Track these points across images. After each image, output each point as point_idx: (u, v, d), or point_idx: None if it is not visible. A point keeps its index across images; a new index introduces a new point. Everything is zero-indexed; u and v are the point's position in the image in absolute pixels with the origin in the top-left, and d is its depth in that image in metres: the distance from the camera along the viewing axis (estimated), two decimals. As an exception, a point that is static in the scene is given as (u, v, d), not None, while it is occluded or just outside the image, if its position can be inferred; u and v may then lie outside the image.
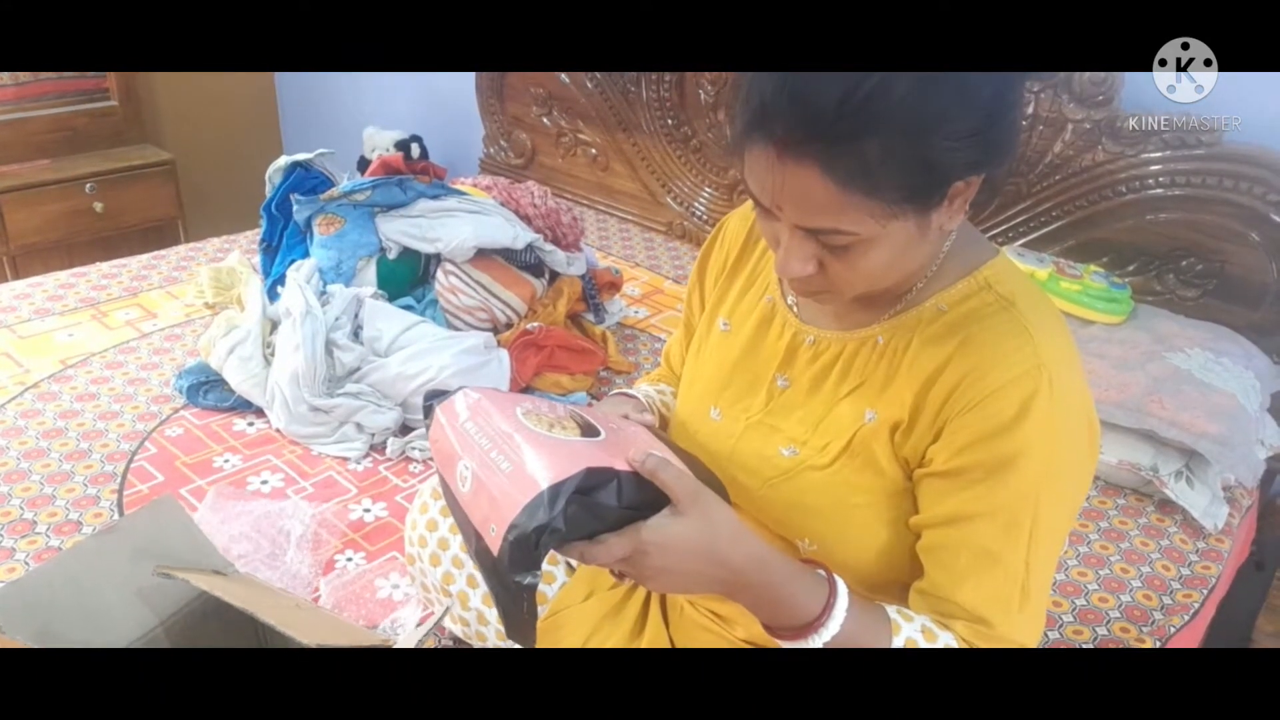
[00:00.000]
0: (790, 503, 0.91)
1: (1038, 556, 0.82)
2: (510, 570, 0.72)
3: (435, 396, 0.91)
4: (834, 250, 0.78)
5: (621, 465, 0.77)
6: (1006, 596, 0.82)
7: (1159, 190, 1.88)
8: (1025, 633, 0.84)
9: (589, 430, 0.83)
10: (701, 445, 0.99)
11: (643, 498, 0.76)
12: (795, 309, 0.96)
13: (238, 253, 2.32)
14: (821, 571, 0.82)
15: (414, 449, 1.67)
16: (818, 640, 0.78)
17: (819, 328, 0.93)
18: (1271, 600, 1.74)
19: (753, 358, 0.98)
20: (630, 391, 1.11)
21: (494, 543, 0.73)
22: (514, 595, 0.74)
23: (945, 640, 0.81)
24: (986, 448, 0.79)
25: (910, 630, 0.81)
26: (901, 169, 0.72)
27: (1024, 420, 0.78)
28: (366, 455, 1.66)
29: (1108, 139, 1.91)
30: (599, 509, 0.74)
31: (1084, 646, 1.32)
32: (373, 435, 1.68)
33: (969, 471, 0.81)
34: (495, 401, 0.86)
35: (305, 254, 2.00)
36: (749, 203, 1.05)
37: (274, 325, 1.78)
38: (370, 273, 1.97)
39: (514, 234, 1.97)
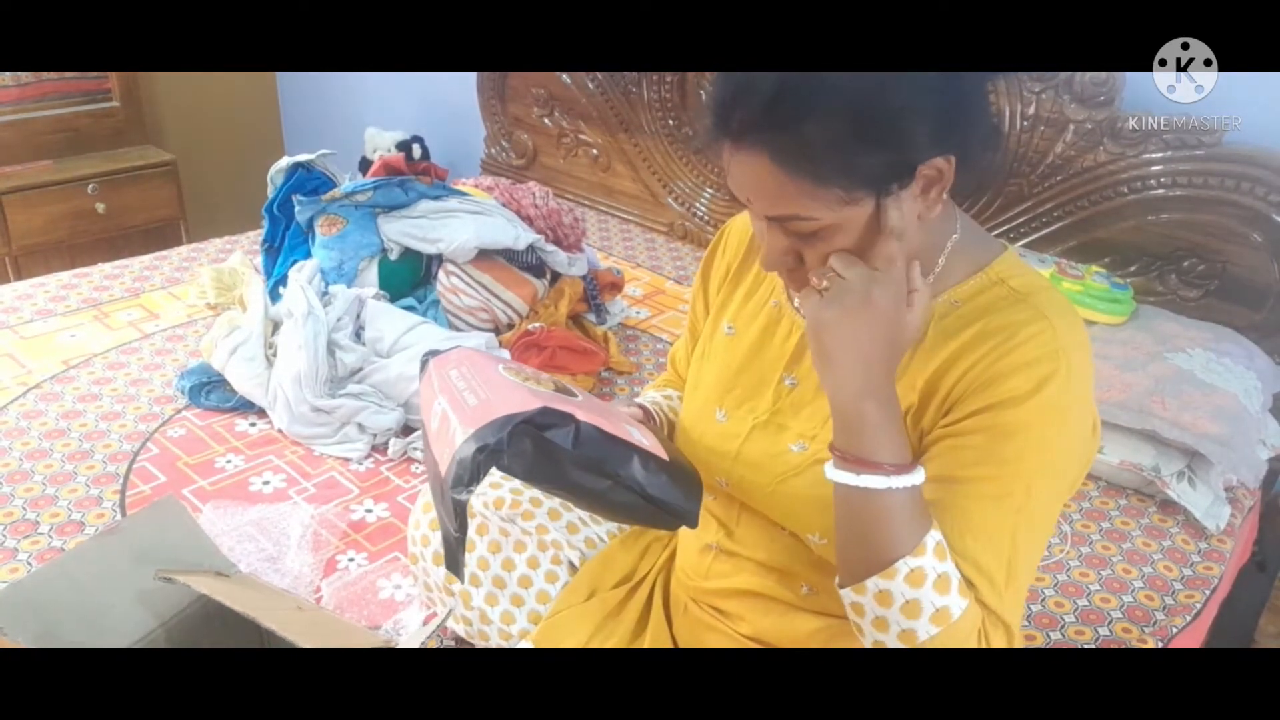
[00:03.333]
0: (802, 497, 0.91)
1: (1025, 534, 0.82)
2: (451, 486, 0.75)
3: (432, 353, 0.99)
4: (805, 240, 0.80)
5: (584, 418, 0.81)
6: (991, 568, 0.81)
7: (1160, 191, 1.88)
8: (1009, 610, 0.84)
9: (566, 392, 0.89)
10: (708, 447, 0.99)
11: (602, 455, 0.80)
12: (801, 310, 0.96)
13: (240, 253, 2.32)
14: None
15: (416, 449, 1.67)
16: (907, 480, 0.78)
17: None
18: (1274, 600, 1.74)
19: (759, 360, 0.98)
20: (639, 402, 1.10)
21: (444, 464, 0.78)
22: (451, 514, 0.77)
23: (949, 568, 0.79)
24: (993, 415, 0.79)
25: (938, 534, 0.79)
26: (847, 152, 0.74)
27: (1035, 397, 0.78)
28: (368, 456, 1.67)
29: (1109, 139, 1.91)
30: (549, 446, 0.78)
31: (1086, 647, 1.32)
32: (375, 436, 1.68)
33: (970, 434, 0.81)
34: (483, 357, 0.94)
35: (307, 255, 2.01)
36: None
37: (276, 326, 1.78)
38: (372, 273, 1.97)
39: (515, 234, 1.97)
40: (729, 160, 0.79)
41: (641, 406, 1.06)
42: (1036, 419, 0.79)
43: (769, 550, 0.98)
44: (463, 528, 0.78)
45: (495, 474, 1.21)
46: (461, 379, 0.88)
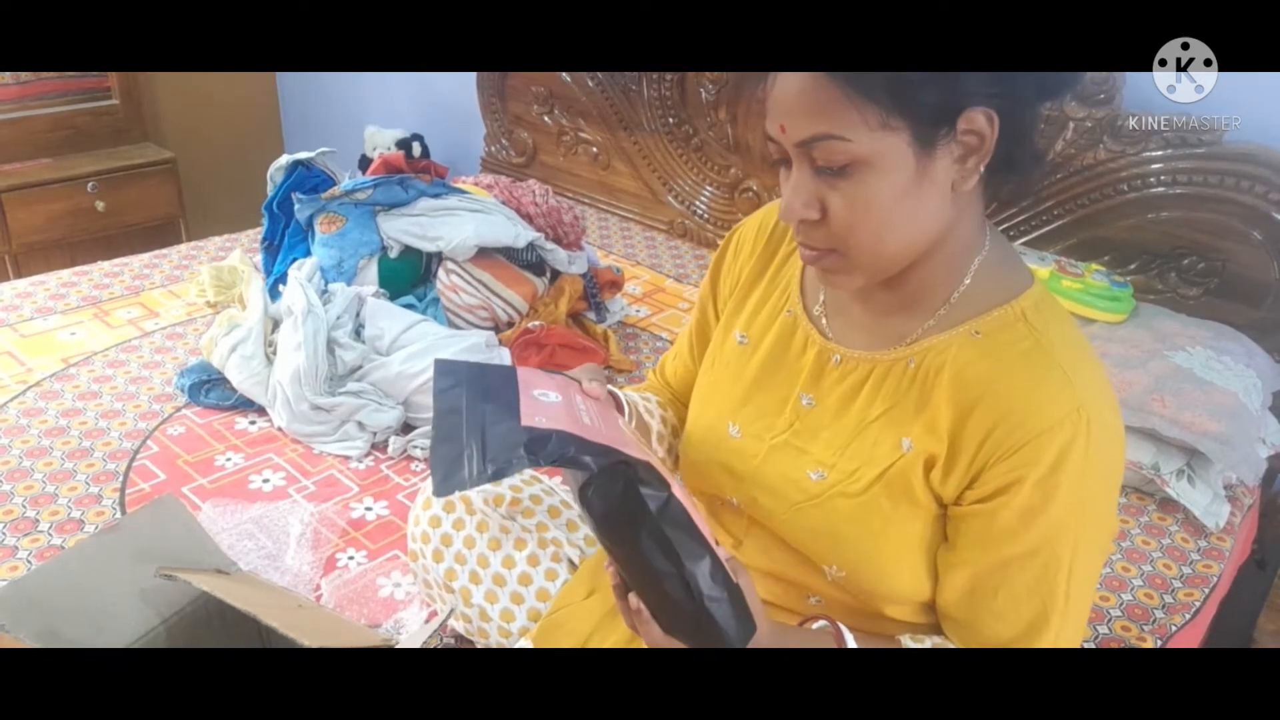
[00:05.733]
0: (819, 529, 0.90)
1: (1078, 588, 0.83)
2: (526, 448, 0.70)
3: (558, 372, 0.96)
4: (834, 180, 0.77)
5: (679, 495, 0.77)
6: (1042, 628, 0.83)
7: (1160, 189, 1.88)
8: (1069, 639, 0.85)
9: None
10: (721, 463, 0.97)
11: (680, 538, 0.75)
12: (820, 323, 0.94)
13: (239, 251, 2.32)
14: (825, 622, 0.86)
15: (415, 448, 1.67)
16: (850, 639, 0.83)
17: (846, 346, 0.91)
18: (1273, 599, 1.74)
19: (774, 374, 0.96)
20: (611, 389, 1.09)
21: (528, 421, 0.74)
22: (498, 456, 0.71)
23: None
24: (1026, 492, 0.79)
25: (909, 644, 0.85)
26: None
27: (1063, 465, 0.78)
28: (368, 454, 1.67)
29: (1109, 138, 1.91)
30: (637, 501, 0.74)
31: (1085, 646, 1.32)
32: (374, 434, 1.68)
33: (1008, 514, 0.80)
34: (610, 409, 0.91)
35: (307, 252, 2.01)
36: (762, 210, 1.04)
37: (275, 324, 1.78)
38: (372, 271, 1.97)
39: (515, 233, 1.97)
40: (773, 78, 0.77)
41: (612, 393, 1.03)
42: (1068, 484, 0.78)
43: (777, 563, 0.97)
44: (495, 476, 0.70)
45: None
46: (582, 404, 0.84)
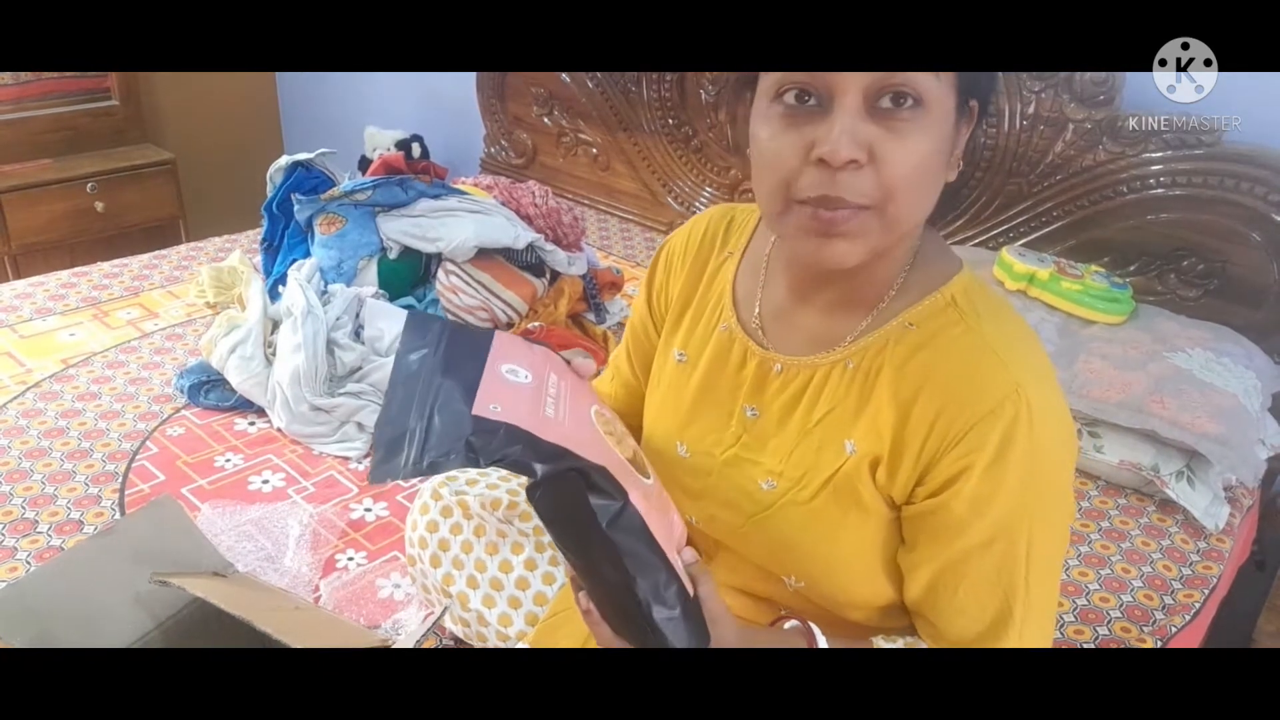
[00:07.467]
0: (774, 539, 0.90)
1: (1038, 574, 0.82)
2: (471, 437, 0.66)
3: (545, 345, 0.89)
4: (892, 120, 0.73)
5: (639, 505, 0.73)
6: (1006, 619, 0.82)
7: (1160, 190, 1.88)
8: (1035, 638, 0.84)
9: (639, 467, 0.81)
10: (678, 484, 0.97)
11: (632, 552, 0.72)
12: (758, 334, 0.93)
13: (239, 252, 2.32)
14: (797, 622, 0.86)
15: (415, 449, 1.67)
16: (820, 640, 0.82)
17: (786, 354, 0.91)
18: (1273, 600, 1.74)
19: (715, 390, 0.95)
20: None
21: (488, 414, 0.69)
22: (439, 440, 0.67)
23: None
24: (975, 480, 0.79)
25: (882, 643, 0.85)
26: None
27: (1008, 450, 0.77)
28: (367, 455, 1.66)
29: (1108, 139, 1.91)
30: (584, 510, 0.70)
31: (1085, 646, 1.32)
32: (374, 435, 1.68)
33: (960, 504, 0.80)
34: (586, 388, 0.86)
35: (306, 253, 2.01)
36: (687, 224, 1.03)
37: (275, 325, 1.78)
38: (371, 272, 1.97)
39: (515, 234, 1.97)
40: None
41: None
42: (1017, 469, 0.78)
43: (744, 578, 0.97)
44: (429, 471, 0.67)
45: (493, 475, 1.21)
46: (554, 388, 0.78)
